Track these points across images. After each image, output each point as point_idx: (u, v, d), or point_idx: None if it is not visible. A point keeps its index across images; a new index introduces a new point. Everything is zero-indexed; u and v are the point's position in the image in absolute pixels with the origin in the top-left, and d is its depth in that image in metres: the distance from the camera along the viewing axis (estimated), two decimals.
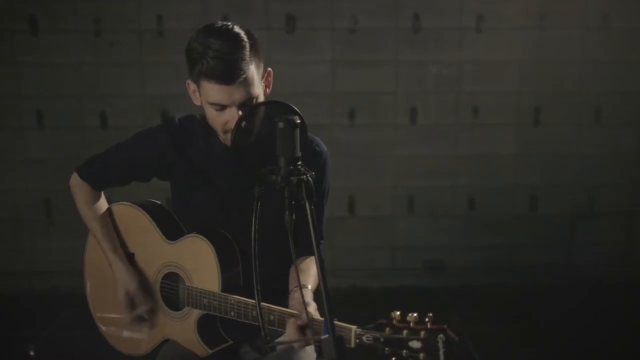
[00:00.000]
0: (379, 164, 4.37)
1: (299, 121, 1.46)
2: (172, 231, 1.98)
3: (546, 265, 4.41)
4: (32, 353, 2.63)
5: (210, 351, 1.92)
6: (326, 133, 4.21)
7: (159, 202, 2.11)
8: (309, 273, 1.89)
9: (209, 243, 1.87)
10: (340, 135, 4.29)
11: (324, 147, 1.99)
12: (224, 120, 1.79)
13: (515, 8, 4.22)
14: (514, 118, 4.34)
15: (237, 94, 1.74)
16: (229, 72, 1.71)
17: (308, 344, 1.74)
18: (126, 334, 2.09)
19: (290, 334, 1.69)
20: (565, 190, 4.41)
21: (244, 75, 1.72)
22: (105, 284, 2.09)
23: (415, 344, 1.46)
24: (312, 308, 1.71)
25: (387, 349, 1.49)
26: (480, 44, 4.25)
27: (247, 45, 1.74)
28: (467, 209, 4.42)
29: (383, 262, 4.46)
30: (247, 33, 1.78)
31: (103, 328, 2.15)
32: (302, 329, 1.70)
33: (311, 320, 1.65)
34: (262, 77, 1.83)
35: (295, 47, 4.21)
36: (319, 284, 1.47)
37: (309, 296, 1.78)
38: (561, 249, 4.46)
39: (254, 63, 1.76)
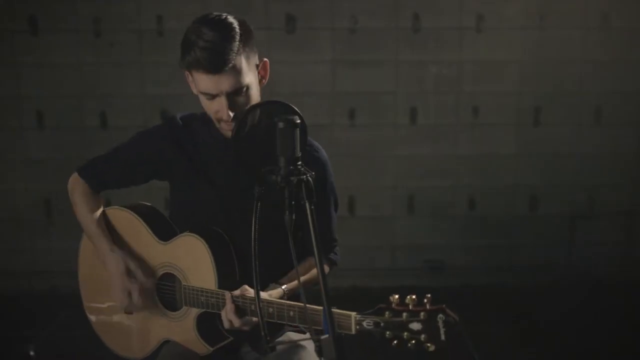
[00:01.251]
0: (379, 164, 4.37)
1: (299, 121, 1.46)
2: (164, 232, 1.98)
3: (546, 265, 4.41)
4: (32, 353, 2.64)
5: (211, 349, 1.92)
6: (326, 133, 4.23)
7: (150, 204, 2.10)
8: (293, 277, 1.93)
9: (202, 240, 1.87)
10: (340, 135, 4.28)
11: (323, 153, 2.00)
12: (215, 109, 1.82)
13: (515, 8, 4.22)
14: (514, 118, 4.34)
15: (225, 83, 1.76)
16: (216, 62, 1.73)
17: (248, 324, 1.81)
18: (126, 337, 2.08)
19: (226, 307, 1.78)
20: (565, 190, 4.41)
21: (231, 65, 1.74)
22: (102, 290, 2.08)
23: (415, 326, 1.47)
24: (264, 294, 1.80)
25: (388, 332, 1.50)
26: (480, 44, 4.25)
27: (238, 36, 1.76)
28: (467, 209, 4.42)
29: (383, 262, 4.46)
30: (241, 23, 1.80)
31: (103, 335, 2.14)
32: (238, 308, 1.78)
33: (242, 293, 1.76)
34: (257, 67, 1.85)
35: (295, 47, 4.21)
36: (316, 284, 1.47)
37: (274, 292, 1.85)
38: (561, 249, 4.46)
39: (244, 53, 1.77)
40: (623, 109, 4.34)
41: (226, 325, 1.81)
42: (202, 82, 1.78)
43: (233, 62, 1.74)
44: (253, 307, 1.76)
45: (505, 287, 4.30)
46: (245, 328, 1.82)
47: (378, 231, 4.44)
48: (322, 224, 1.98)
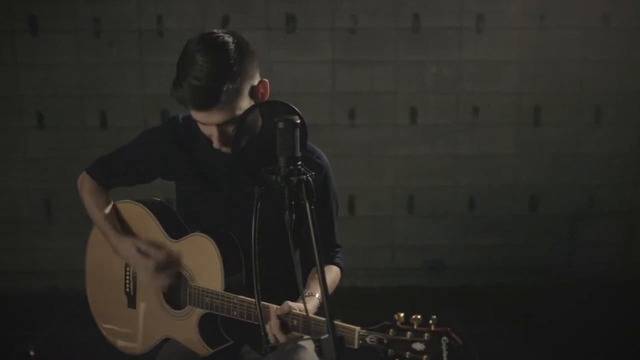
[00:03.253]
0: (379, 164, 4.37)
1: (298, 121, 1.45)
2: (175, 229, 1.98)
3: (546, 265, 4.41)
4: (32, 353, 2.64)
5: (211, 350, 1.92)
6: (326, 133, 4.23)
7: (160, 200, 2.11)
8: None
9: (212, 242, 1.86)
10: (340, 135, 4.29)
11: (325, 159, 1.98)
12: (208, 133, 1.80)
13: (515, 8, 4.22)
14: (514, 118, 4.34)
15: (214, 118, 1.73)
16: (205, 101, 1.70)
17: (293, 340, 1.75)
18: (127, 332, 2.08)
19: (271, 323, 1.71)
20: (565, 190, 4.41)
21: (221, 102, 1.69)
22: (107, 283, 2.10)
23: (418, 346, 1.46)
24: (302, 307, 1.71)
25: (390, 350, 1.49)
26: (480, 44, 4.25)
27: (232, 68, 1.69)
28: (467, 209, 4.42)
29: (383, 262, 4.46)
30: (239, 48, 1.72)
31: (104, 328, 2.15)
32: (283, 324, 1.71)
33: (289, 311, 1.69)
34: (256, 89, 1.78)
35: (295, 47, 4.21)
36: (326, 287, 1.45)
37: (311, 303, 1.78)
38: (561, 249, 4.46)
39: (238, 83, 1.70)
40: (623, 109, 4.34)
41: (272, 340, 1.75)
42: (192, 112, 1.76)
43: (223, 99, 1.69)
44: (295, 322, 1.71)
45: (505, 287, 4.30)
46: (290, 344, 1.78)
47: (378, 231, 4.44)
48: (326, 230, 1.99)
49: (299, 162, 1.45)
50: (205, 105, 1.70)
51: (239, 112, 1.73)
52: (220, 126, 1.75)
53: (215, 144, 1.79)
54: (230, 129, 1.75)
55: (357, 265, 4.34)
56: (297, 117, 1.47)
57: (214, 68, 1.68)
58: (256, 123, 1.86)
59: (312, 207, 1.43)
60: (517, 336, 3.66)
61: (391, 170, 4.38)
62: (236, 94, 1.71)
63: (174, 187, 2.09)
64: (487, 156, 4.37)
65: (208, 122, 1.75)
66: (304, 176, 1.44)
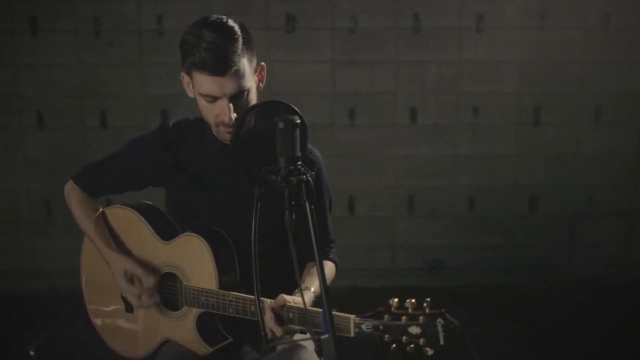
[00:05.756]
0: (378, 164, 4.37)
1: (299, 121, 1.46)
2: (166, 231, 1.98)
3: (546, 265, 4.41)
4: (32, 353, 2.64)
5: (211, 349, 1.92)
6: (326, 133, 4.23)
7: (151, 203, 2.10)
8: (316, 278, 1.88)
9: (203, 241, 1.86)
10: (340, 135, 4.28)
11: (318, 154, 1.99)
12: (216, 112, 1.81)
13: (515, 8, 4.22)
14: (514, 118, 4.34)
15: (228, 86, 1.76)
16: (221, 64, 1.73)
17: (290, 332, 1.75)
18: (127, 336, 2.08)
19: (266, 317, 1.71)
20: (565, 190, 4.41)
21: (235, 67, 1.74)
22: (104, 289, 2.09)
23: (414, 330, 1.46)
24: (297, 300, 1.73)
25: (386, 336, 1.49)
26: (480, 44, 4.25)
27: (240, 39, 1.77)
28: (467, 209, 4.42)
29: (383, 262, 4.46)
30: (241, 27, 1.80)
31: (104, 333, 2.14)
32: (278, 317, 1.72)
33: (284, 304, 1.70)
34: (255, 71, 1.85)
35: (295, 47, 4.21)
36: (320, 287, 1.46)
37: (307, 296, 1.79)
38: (561, 249, 4.46)
39: (246, 56, 1.77)
40: (623, 109, 4.34)
41: (269, 334, 1.74)
42: (204, 84, 1.77)
43: (237, 64, 1.74)
44: (291, 315, 1.72)
45: (505, 287, 4.29)
46: (288, 337, 1.77)
47: (378, 231, 4.44)
48: (319, 226, 1.98)
49: (299, 162, 1.45)
50: (223, 67, 1.73)
51: (249, 84, 1.79)
52: (232, 99, 1.77)
53: (227, 120, 1.79)
54: (242, 103, 1.78)
55: (357, 265, 4.34)
56: (297, 117, 1.47)
57: (223, 36, 1.75)
58: (256, 121, 1.86)
59: (312, 207, 1.43)
60: (517, 336, 3.66)
61: (391, 170, 4.38)
62: (246, 63, 1.77)
63: (166, 195, 2.08)
64: (487, 156, 4.37)
65: (221, 93, 1.77)
66: (304, 176, 1.44)
